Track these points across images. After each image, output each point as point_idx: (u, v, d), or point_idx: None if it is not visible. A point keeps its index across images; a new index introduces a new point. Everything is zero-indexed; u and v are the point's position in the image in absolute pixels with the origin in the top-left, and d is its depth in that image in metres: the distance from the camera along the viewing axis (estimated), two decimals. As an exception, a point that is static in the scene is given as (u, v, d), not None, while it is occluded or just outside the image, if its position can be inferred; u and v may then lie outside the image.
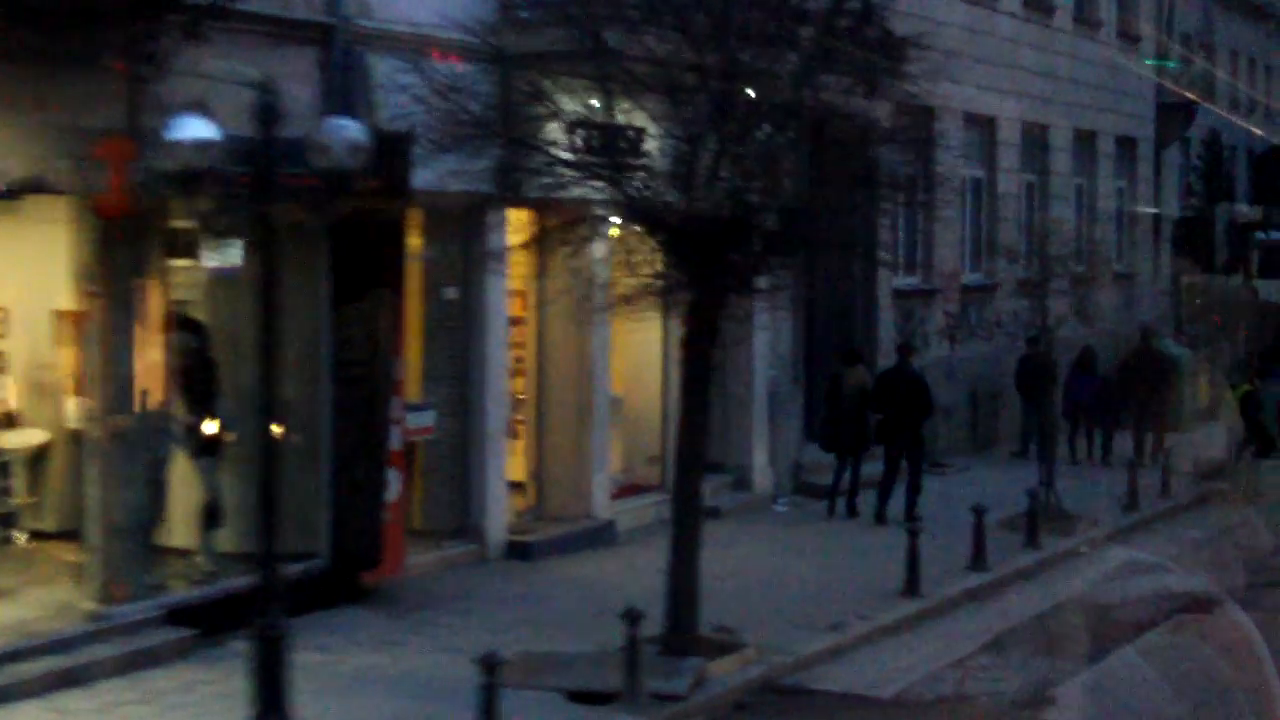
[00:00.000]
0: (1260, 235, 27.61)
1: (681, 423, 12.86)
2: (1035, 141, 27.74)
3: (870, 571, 15.81)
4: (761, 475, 19.78)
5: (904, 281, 23.74)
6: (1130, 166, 31.82)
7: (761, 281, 12.99)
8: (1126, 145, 31.52)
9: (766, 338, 19.83)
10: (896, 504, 18.51)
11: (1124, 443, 23.64)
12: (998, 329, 26.16)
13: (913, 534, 14.86)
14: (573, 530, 16.78)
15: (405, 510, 14.45)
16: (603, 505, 17.14)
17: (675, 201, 12.06)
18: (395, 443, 14.21)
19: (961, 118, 24.84)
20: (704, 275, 12.22)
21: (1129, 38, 31.36)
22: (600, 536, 16.87)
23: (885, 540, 17.18)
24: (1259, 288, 32.54)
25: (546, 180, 12.56)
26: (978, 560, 16.11)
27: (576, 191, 12.78)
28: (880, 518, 18.74)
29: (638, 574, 15.26)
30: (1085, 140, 29.57)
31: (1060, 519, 18.52)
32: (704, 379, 12.65)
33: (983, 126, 25.89)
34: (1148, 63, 47.53)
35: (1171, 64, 49.04)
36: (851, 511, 19.36)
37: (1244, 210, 44.07)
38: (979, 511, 16.13)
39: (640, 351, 18.54)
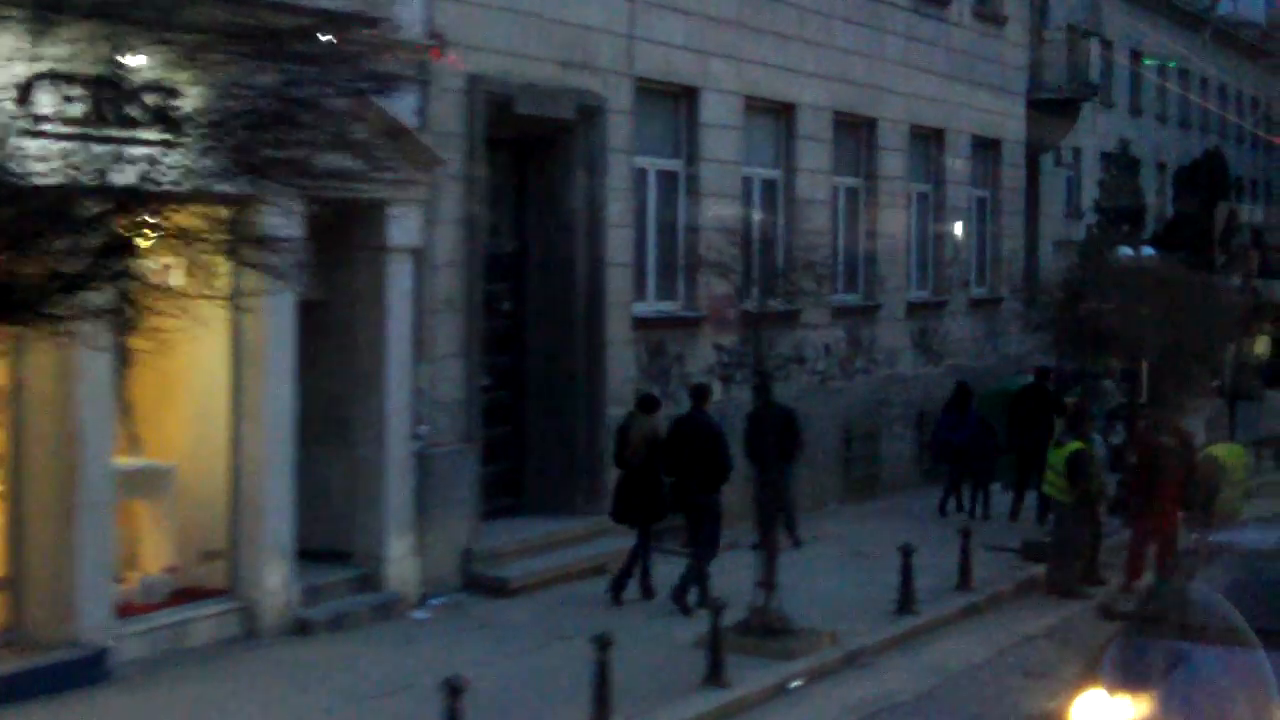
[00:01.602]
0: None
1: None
2: (856, 138, 22.71)
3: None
4: (399, 569, 14.59)
5: (653, 307, 18.62)
6: (993, 173, 26.77)
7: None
8: (988, 148, 26.47)
9: (408, 378, 14.71)
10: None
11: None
12: (798, 366, 21.06)
13: (454, 689, 9.64)
14: (34, 665, 11.58)
15: None
16: (98, 625, 11.94)
17: None
18: None
19: (740, 102, 19.80)
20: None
21: (990, 19, 26.35)
22: (86, 673, 11.68)
23: (555, 660, 12.47)
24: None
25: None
26: (600, 717, 10.91)
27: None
28: (698, 600, 14.50)
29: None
30: (929, 139, 24.53)
31: (781, 636, 13.37)
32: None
33: (775, 116, 20.85)
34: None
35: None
36: (646, 592, 15.25)
37: (1244, 209, 39.77)
38: (603, 642, 10.91)
39: (201, 404, 13.44)
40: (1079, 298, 24.37)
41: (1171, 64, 44.60)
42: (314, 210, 12.96)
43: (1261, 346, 37.87)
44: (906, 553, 15.02)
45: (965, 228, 25.66)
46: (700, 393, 15.89)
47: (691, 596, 14.69)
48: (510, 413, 17.23)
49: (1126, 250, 22.46)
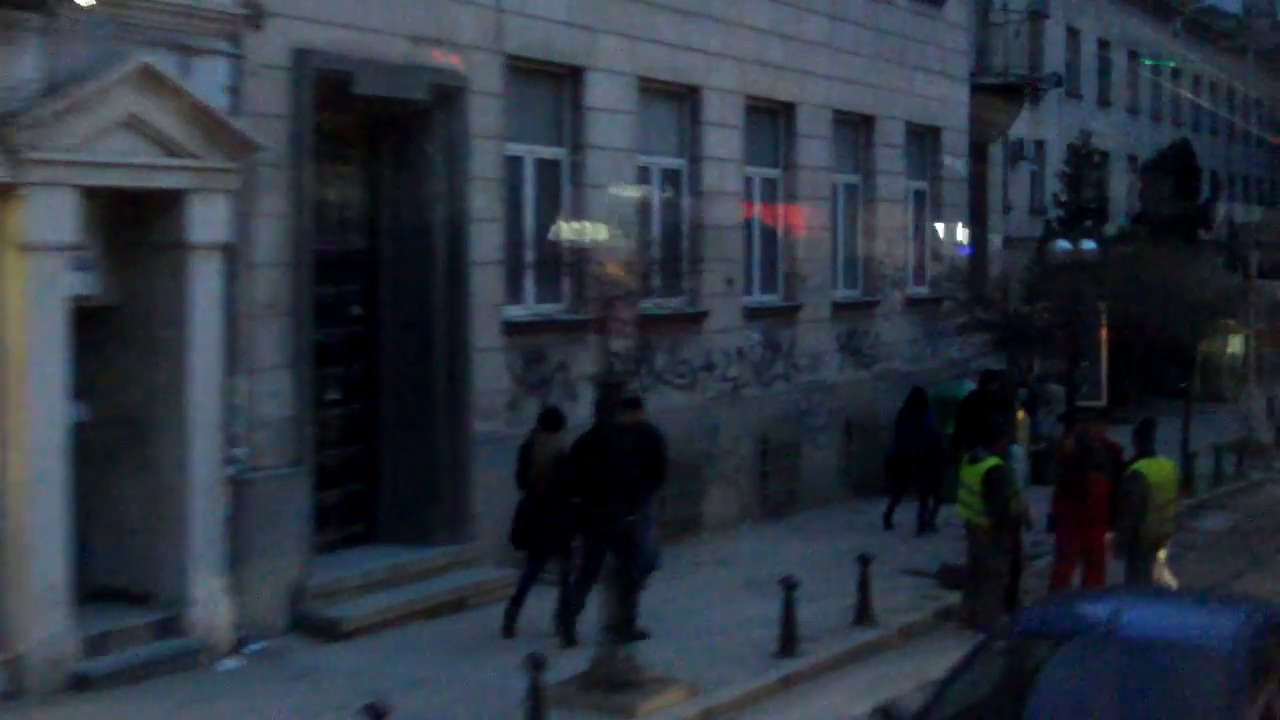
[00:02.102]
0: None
1: None
2: (772, 124, 20.94)
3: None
4: (207, 612, 12.76)
5: (531, 310, 16.83)
6: (932, 164, 25.01)
7: None
8: (925, 136, 24.71)
9: (218, 392, 12.88)
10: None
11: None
12: (706, 373, 19.34)
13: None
14: None
15: None
16: None
17: None
18: None
19: (634, 83, 18.03)
20: None
21: (927, -1, 24.61)
22: None
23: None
24: None
25: None
26: (370, 801, 9.12)
27: None
28: (568, 639, 13.08)
29: None
30: (856, 127, 22.75)
31: (628, 689, 11.55)
32: None
33: (677, 100, 19.07)
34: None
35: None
36: (508, 628, 13.57)
37: (1242, 209, 38.55)
38: (375, 713, 9.11)
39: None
40: (1028, 296, 22.66)
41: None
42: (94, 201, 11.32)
43: (1235, 346, 36.26)
44: (789, 585, 13.21)
45: (900, 222, 23.88)
46: (607, 404, 14.07)
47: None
48: (361, 429, 15.47)
49: (1064, 244, 20.70)
